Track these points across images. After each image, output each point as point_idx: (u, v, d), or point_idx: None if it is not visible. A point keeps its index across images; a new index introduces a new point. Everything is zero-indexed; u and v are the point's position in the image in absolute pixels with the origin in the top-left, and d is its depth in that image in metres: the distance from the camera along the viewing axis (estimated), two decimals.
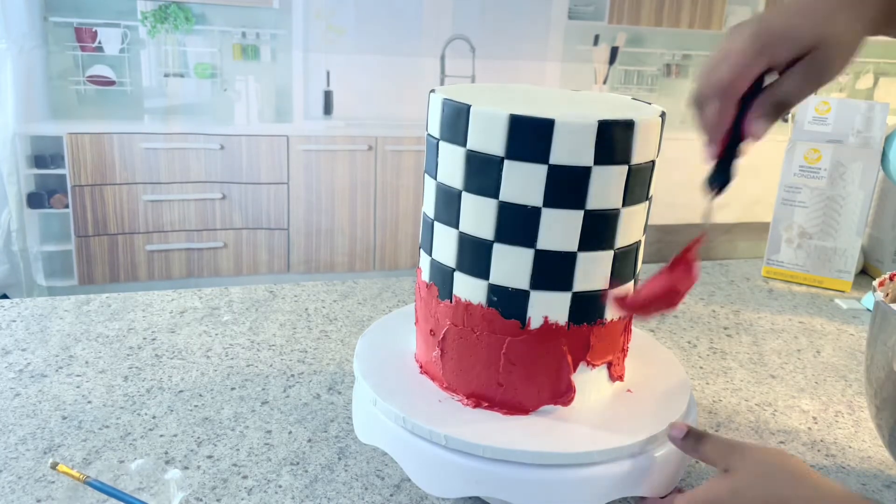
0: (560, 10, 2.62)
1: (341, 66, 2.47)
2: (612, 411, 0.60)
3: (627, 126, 0.53)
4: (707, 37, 2.82)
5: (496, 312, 0.57)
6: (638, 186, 0.55)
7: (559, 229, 0.54)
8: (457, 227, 0.58)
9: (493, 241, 0.56)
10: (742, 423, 0.74)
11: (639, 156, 0.54)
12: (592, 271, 0.56)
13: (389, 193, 2.59)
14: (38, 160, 2.27)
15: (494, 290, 0.57)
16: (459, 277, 0.58)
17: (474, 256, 0.57)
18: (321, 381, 0.76)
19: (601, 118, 0.52)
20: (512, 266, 0.56)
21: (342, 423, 0.69)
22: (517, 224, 0.55)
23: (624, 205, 0.55)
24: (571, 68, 2.70)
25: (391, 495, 0.59)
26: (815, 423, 0.75)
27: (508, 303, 0.56)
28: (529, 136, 0.53)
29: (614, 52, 2.71)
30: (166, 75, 2.34)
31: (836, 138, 1.08)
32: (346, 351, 0.83)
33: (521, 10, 2.57)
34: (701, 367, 0.85)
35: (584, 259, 0.55)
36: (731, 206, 2.80)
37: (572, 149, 0.52)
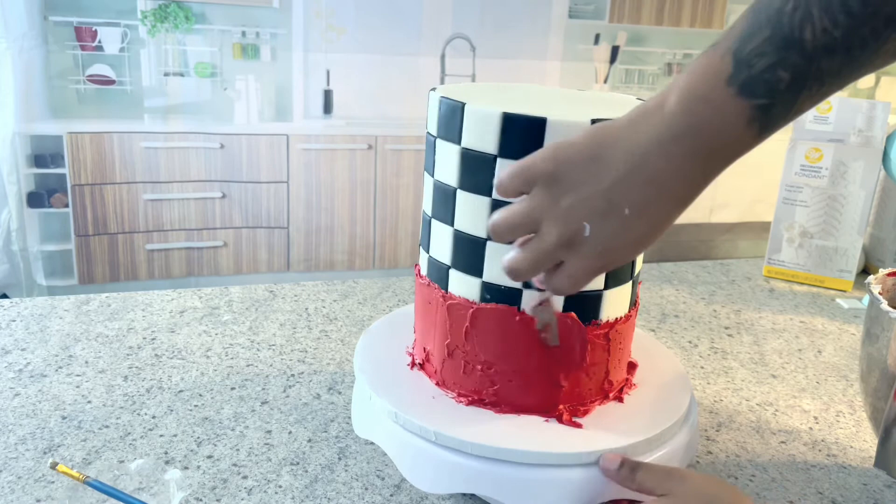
0: (560, 9, 2.62)
1: (341, 66, 2.47)
2: (613, 412, 0.60)
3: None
4: (708, 36, 2.81)
5: (489, 310, 0.57)
6: None
7: None
8: (452, 224, 0.58)
9: (486, 240, 0.56)
10: (743, 423, 0.74)
11: None
12: None
13: (389, 192, 2.59)
14: (38, 159, 2.27)
15: (487, 289, 0.57)
16: (454, 275, 0.59)
17: (468, 254, 0.57)
18: (321, 381, 0.76)
19: (594, 117, 0.52)
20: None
21: (342, 423, 0.69)
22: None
23: None
24: (572, 67, 2.70)
25: (391, 495, 0.59)
26: (817, 422, 0.75)
27: (501, 301, 0.57)
28: (522, 135, 0.53)
29: (615, 51, 2.71)
30: (166, 74, 2.34)
31: (838, 137, 1.08)
32: (346, 351, 0.83)
33: (522, 9, 2.57)
34: (702, 367, 0.85)
35: None
36: (733, 206, 2.81)
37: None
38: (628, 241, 0.46)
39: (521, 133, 0.52)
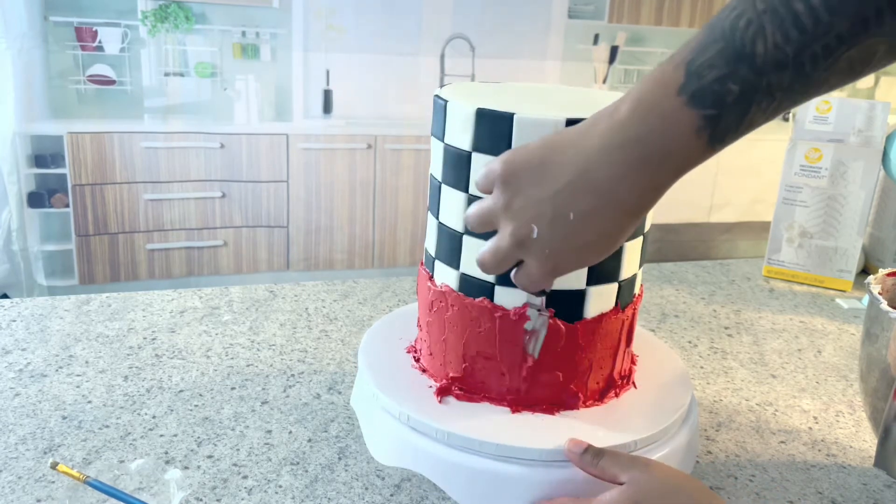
0: (560, 10, 2.62)
1: (341, 65, 2.47)
2: (613, 410, 0.60)
3: None
4: None
5: (466, 301, 0.59)
6: None
7: None
8: (437, 217, 0.60)
9: (462, 234, 0.58)
10: (743, 423, 0.74)
11: None
12: None
13: (388, 191, 2.59)
14: (39, 159, 2.27)
15: (465, 280, 0.58)
16: (439, 266, 0.61)
17: (448, 247, 0.59)
18: (321, 381, 0.76)
19: (570, 116, 0.52)
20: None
21: (342, 423, 0.69)
22: None
23: None
24: (571, 67, 2.70)
25: (391, 495, 0.59)
26: (816, 422, 0.75)
27: (477, 294, 0.58)
28: (492, 130, 0.54)
29: (614, 51, 2.71)
30: (166, 74, 2.34)
31: (838, 137, 1.08)
32: (346, 351, 0.83)
33: (521, 9, 2.57)
34: (702, 367, 0.85)
35: None
36: (733, 206, 2.81)
37: None
38: (575, 247, 0.47)
39: (492, 128, 0.54)
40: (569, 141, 0.46)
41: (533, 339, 0.57)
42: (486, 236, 0.55)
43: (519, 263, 0.50)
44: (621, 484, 0.51)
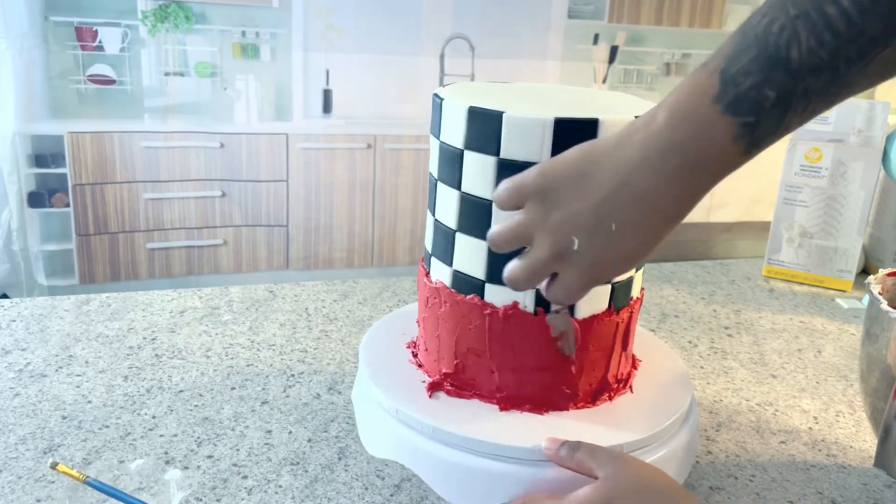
0: (560, 9, 2.61)
1: (341, 65, 2.47)
2: (610, 410, 0.60)
3: (590, 125, 0.52)
4: (707, 36, 2.81)
5: (457, 297, 0.59)
6: None
7: None
8: (434, 213, 0.61)
9: (455, 231, 0.58)
10: (743, 423, 0.74)
11: None
12: None
13: (388, 191, 2.59)
14: (39, 159, 2.26)
15: (457, 277, 0.59)
16: (434, 262, 0.61)
17: (443, 243, 0.59)
18: (321, 381, 0.76)
19: (560, 115, 0.52)
20: (470, 256, 0.57)
21: (342, 423, 0.69)
22: (474, 215, 0.56)
23: None
24: (571, 67, 2.69)
25: (391, 495, 0.59)
26: (816, 422, 0.75)
27: (469, 292, 0.58)
28: (482, 128, 0.54)
29: (614, 51, 2.71)
30: (166, 74, 2.33)
31: (838, 137, 1.08)
32: (346, 351, 0.83)
33: (521, 9, 2.56)
34: (702, 367, 0.85)
35: None
36: (732, 206, 2.80)
37: (522, 144, 0.53)
38: (618, 256, 0.47)
39: (482, 126, 0.54)
40: (606, 152, 0.46)
41: (564, 340, 0.57)
42: (480, 234, 0.55)
43: (552, 277, 0.49)
44: (597, 478, 0.51)
